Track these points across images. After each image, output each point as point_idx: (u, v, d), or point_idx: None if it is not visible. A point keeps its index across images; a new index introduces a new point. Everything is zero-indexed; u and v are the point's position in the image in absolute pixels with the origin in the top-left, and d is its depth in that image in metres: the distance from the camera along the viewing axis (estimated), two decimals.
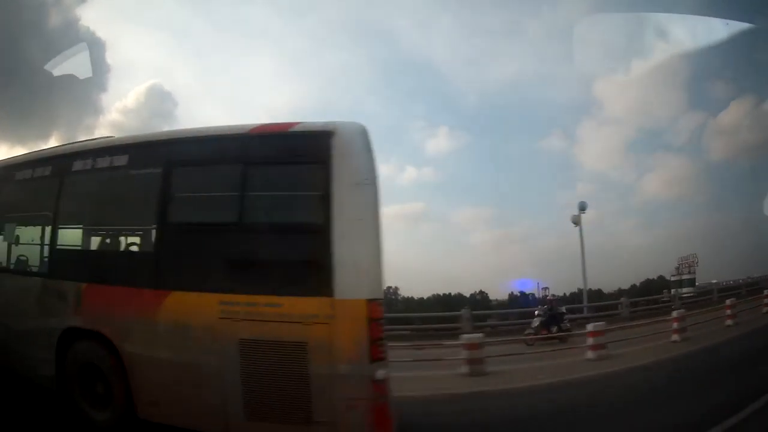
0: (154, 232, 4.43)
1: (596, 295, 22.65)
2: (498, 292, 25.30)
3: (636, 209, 34.65)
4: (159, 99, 33.95)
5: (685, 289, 20.79)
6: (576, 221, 19.73)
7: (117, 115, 33.07)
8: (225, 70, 36.91)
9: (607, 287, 24.15)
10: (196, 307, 3.92)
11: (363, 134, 3.94)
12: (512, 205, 43.31)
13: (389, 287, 27.21)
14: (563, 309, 14.09)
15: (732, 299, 13.29)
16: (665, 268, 23.12)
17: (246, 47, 37.48)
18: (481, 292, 25.42)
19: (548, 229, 38.96)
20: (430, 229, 38.00)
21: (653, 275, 25.14)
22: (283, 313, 3.67)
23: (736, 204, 33.59)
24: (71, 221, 5.15)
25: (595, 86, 39.93)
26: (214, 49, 37.32)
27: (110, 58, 29.39)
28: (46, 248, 4.91)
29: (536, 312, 13.38)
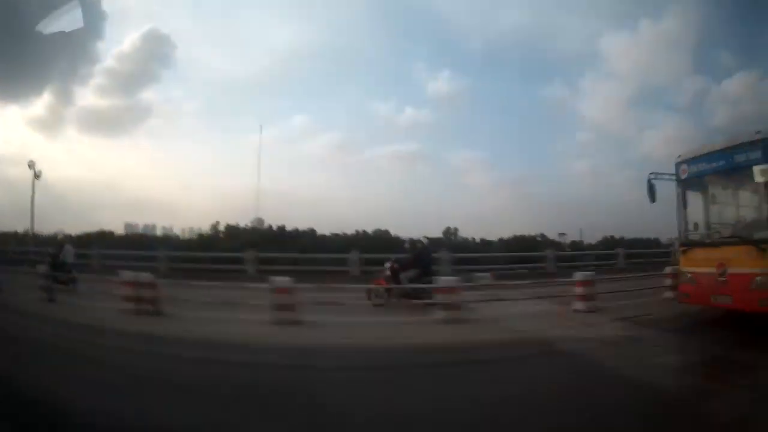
0: None
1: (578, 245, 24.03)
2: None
3: (632, 163, 35.71)
4: (156, 43, 36.85)
5: None
6: None
7: (113, 61, 36.53)
8: (222, 10, 36.78)
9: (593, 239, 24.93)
10: None
11: None
12: (509, 150, 44.30)
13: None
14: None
15: None
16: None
17: None
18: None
19: (545, 174, 39.86)
20: (425, 170, 39.69)
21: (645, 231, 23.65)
22: None
23: None
24: None
25: (600, 41, 41.67)
26: None
27: (105, 4, 28.11)
28: None
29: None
